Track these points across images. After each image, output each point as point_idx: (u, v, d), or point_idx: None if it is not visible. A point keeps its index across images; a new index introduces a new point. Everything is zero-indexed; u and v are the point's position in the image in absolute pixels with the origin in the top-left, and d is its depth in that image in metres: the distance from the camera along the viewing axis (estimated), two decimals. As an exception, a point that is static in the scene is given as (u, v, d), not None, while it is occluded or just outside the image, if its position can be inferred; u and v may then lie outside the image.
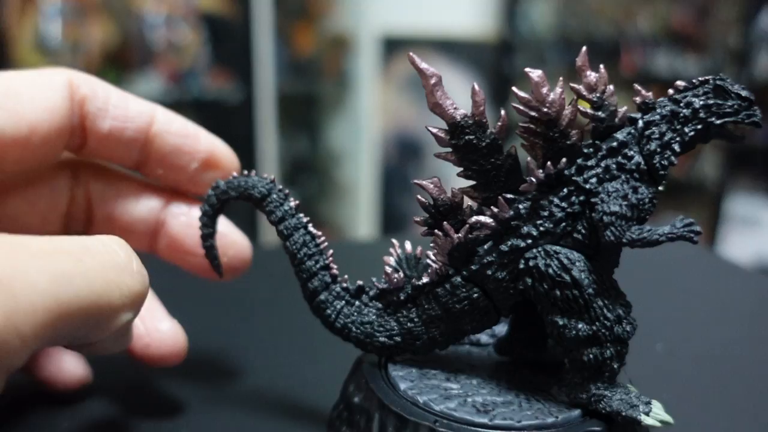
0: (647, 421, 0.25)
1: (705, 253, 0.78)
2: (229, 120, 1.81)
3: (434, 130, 0.27)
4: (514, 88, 0.26)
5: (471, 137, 0.26)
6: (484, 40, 2.07)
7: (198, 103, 1.78)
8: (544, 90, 0.26)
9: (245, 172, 0.32)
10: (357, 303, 0.31)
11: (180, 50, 1.72)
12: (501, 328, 0.32)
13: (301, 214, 0.31)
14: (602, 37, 2.13)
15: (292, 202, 0.31)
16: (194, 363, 0.41)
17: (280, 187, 0.31)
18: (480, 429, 0.26)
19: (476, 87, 0.26)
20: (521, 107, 0.26)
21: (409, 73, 2.05)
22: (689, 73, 2.07)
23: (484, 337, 0.33)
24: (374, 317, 0.30)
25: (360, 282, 0.31)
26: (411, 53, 0.26)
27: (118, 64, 1.64)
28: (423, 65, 0.26)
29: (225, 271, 0.34)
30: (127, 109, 0.33)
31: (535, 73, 0.26)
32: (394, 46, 2.06)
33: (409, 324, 0.29)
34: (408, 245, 0.32)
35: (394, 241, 0.31)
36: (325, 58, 2.11)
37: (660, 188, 0.27)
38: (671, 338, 0.45)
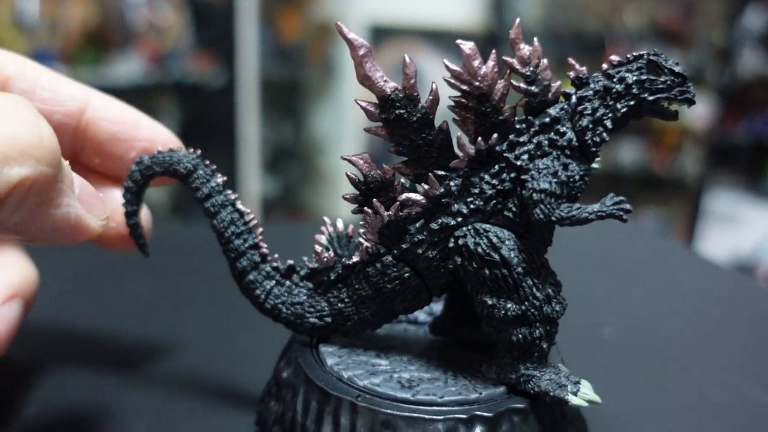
0: (574, 401, 0.25)
1: (679, 248, 0.78)
2: (211, 104, 1.79)
3: (363, 104, 0.26)
4: (445, 61, 0.25)
5: (401, 111, 0.26)
6: (472, 31, 2.06)
7: (179, 85, 1.76)
8: (476, 63, 0.25)
9: (172, 147, 0.30)
10: (287, 283, 0.30)
11: (162, 32, 1.69)
12: (439, 307, 0.31)
13: (229, 191, 0.30)
14: (589, 31, 2.12)
15: (220, 179, 0.30)
16: (131, 343, 0.40)
17: (207, 162, 0.30)
18: (401, 404, 0.25)
19: (407, 59, 0.25)
20: (452, 80, 0.25)
21: (395, 63, 2.03)
22: (673, 69, 2.07)
23: (421, 316, 0.32)
24: (305, 298, 0.29)
25: (290, 261, 0.30)
26: (339, 22, 0.25)
27: (98, 44, 1.61)
28: (351, 35, 0.25)
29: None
30: (57, 92, 0.31)
31: (467, 45, 0.25)
32: (381, 35, 2.05)
33: (339, 304, 0.29)
34: (340, 223, 0.31)
35: (326, 219, 0.31)
36: (311, 45, 2.09)
37: (594, 165, 0.27)
38: (623, 325, 0.45)
